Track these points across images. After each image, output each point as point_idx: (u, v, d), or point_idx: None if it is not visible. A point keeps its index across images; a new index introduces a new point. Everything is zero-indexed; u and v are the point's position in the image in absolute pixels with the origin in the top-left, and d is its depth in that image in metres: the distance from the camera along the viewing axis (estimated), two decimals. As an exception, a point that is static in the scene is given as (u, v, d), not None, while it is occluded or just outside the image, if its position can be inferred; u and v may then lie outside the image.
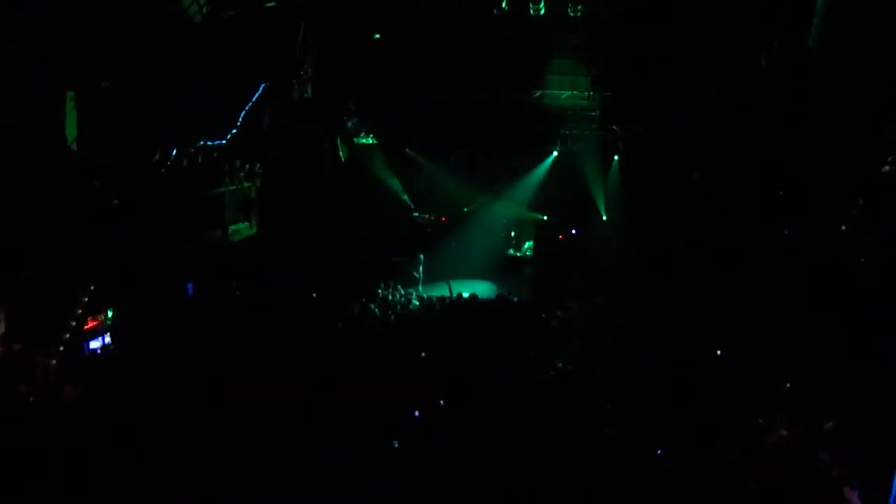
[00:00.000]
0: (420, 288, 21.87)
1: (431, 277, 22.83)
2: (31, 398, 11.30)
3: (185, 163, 17.74)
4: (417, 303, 18.72)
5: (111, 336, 15.74)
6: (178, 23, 17.90)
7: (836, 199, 14.98)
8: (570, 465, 8.38)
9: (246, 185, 19.14)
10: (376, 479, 8.39)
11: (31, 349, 13.95)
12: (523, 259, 26.30)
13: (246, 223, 19.39)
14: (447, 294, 19.22)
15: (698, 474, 8.16)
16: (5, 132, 14.25)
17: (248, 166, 19.47)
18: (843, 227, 14.40)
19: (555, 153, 25.21)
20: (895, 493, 7.47)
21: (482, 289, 21.12)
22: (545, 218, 25.80)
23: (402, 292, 19.76)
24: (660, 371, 11.27)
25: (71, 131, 16.36)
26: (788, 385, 10.88)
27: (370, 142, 25.78)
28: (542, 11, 19.58)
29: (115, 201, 16.12)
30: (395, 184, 26.45)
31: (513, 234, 26.87)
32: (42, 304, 14.30)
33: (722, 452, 8.39)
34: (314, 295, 19.08)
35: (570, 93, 22.06)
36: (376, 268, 22.26)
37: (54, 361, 13.62)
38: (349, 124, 24.91)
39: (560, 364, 12.39)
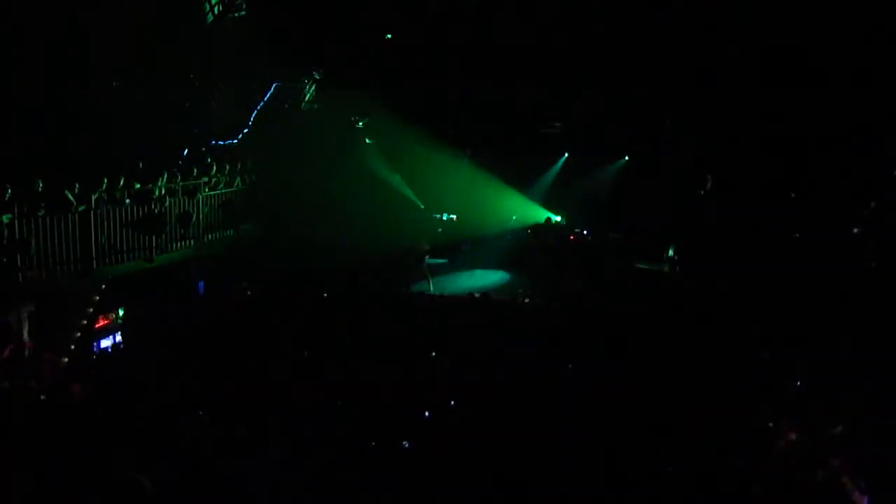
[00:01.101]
0: (430, 286, 21.87)
1: (441, 274, 22.94)
2: (41, 396, 11.36)
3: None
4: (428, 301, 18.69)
5: (122, 335, 15.86)
6: (190, 22, 17.98)
7: (848, 203, 14.90)
8: (573, 465, 8.33)
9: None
10: (385, 478, 8.38)
11: (42, 347, 14.08)
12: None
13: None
14: (457, 292, 19.26)
15: (705, 477, 8.10)
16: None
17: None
18: (855, 230, 14.34)
19: (566, 154, 25.17)
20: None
21: (497, 278, 21.33)
22: (556, 219, 25.73)
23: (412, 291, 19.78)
24: (665, 372, 11.21)
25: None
26: (798, 384, 10.81)
27: (379, 140, 25.78)
28: (550, 11, 19.54)
29: (128, 200, 16.24)
30: (406, 182, 26.44)
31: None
32: (53, 303, 14.44)
33: (729, 455, 8.33)
34: (325, 295, 19.13)
35: (579, 92, 21.98)
36: (387, 266, 22.27)
37: (65, 359, 13.73)
38: (360, 124, 24.97)
39: (569, 365, 12.36)
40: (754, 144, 17.58)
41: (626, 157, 24.23)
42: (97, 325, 15.41)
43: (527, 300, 18.57)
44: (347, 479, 8.25)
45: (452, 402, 10.95)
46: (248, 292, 19.33)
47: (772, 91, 16.35)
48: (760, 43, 16.12)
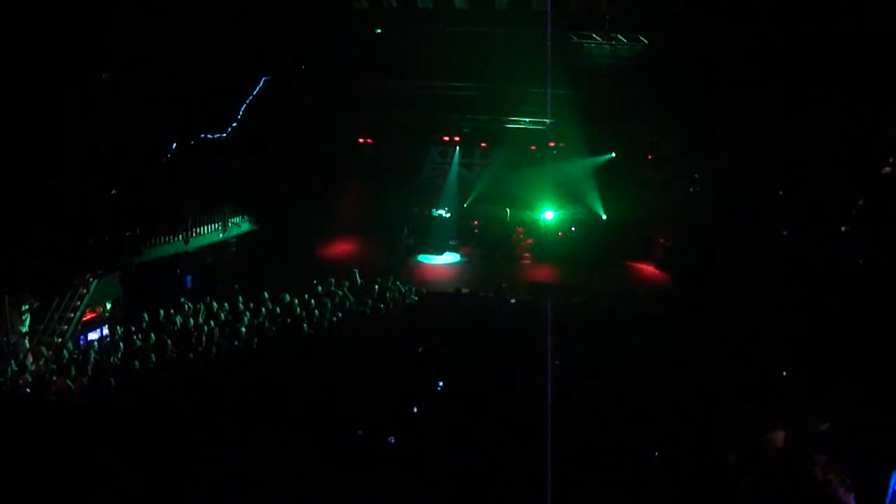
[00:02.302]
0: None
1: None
2: (28, 389, 11.31)
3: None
4: (417, 298, 18.63)
5: (109, 328, 15.77)
6: (180, 13, 17.79)
7: (837, 200, 15.00)
8: (562, 463, 8.36)
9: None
10: (372, 474, 8.39)
11: (32, 340, 14.01)
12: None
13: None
14: None
15: (693, 475, 8.15)
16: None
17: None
18: (843, 228, 14.44)
19: (554, 151, 25.17)
20: (891, 494, 7.48)
21: None
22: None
23: (402, 287, 19.70)
24: (655, 371, 11.26)
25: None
26: (785, 374, 10.89)
27: (372, 138, 25.70)
28: (548, 7, 19.46)
29: (114, 191, 16.16)
30: (399, 180, 26.35)
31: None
32: (43, 295, 14.36)
33: (717, 453, 8.38)
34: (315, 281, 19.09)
35: (567, 89, 21.97)
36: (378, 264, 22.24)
37: (51, 352, 13.67)
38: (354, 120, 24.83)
39: (556, 361, 12.37)
40: (744, 142, 17.65)
41: (613, 154, 24.27)
42: (85, 318, 15.36)
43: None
44: (334, 473, 8.26)
45: (440, 387, 11.01)
46: (237, 286, 19.26)
47: (762, 87, 16.40)
48: (755, 41, 16.15)
